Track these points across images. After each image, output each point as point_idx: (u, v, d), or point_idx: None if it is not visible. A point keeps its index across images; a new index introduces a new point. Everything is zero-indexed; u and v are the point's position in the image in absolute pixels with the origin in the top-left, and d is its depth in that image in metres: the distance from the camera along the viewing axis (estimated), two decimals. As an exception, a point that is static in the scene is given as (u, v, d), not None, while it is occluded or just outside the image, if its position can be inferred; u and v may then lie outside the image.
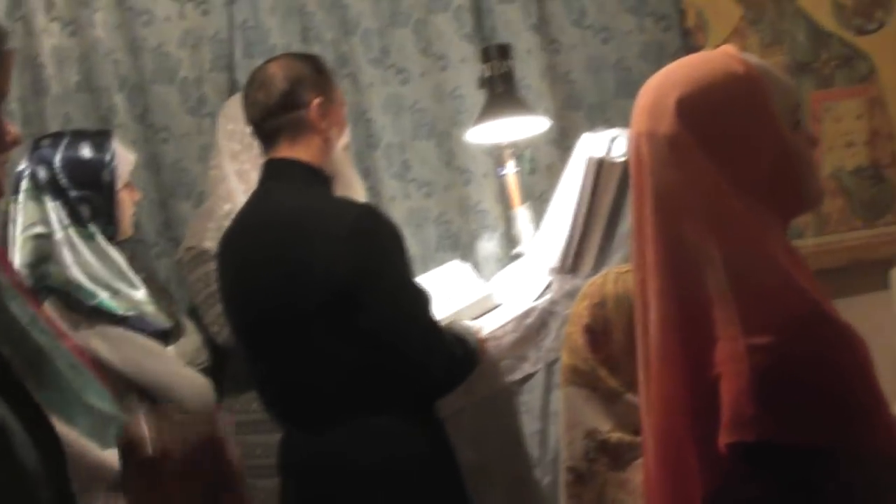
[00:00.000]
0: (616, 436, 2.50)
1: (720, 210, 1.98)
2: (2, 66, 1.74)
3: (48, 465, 1.63)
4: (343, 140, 3.52)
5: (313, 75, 3.47)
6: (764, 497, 1.92)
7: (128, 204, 3.67)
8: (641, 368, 2.09)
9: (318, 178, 3.41)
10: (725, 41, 4.56)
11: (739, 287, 1.95)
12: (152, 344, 3.55)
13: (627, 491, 2.46)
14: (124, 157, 3.66)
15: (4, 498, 1.56)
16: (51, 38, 4.49)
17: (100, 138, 3.65)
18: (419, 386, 3.32)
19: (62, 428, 1.72)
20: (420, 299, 3.32)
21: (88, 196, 3.54)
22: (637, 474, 2.45)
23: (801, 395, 1.90)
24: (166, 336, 3.62)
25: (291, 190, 3.39)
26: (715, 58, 2.09)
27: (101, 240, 3.53)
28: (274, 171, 3.43)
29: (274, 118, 3.41)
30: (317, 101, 3.41)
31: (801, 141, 2.08)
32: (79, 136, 3.67)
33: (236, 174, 3.93)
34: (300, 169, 3.40)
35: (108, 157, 3.58)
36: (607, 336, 2.56)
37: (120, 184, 3.61)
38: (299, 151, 3.41)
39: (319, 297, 3.23)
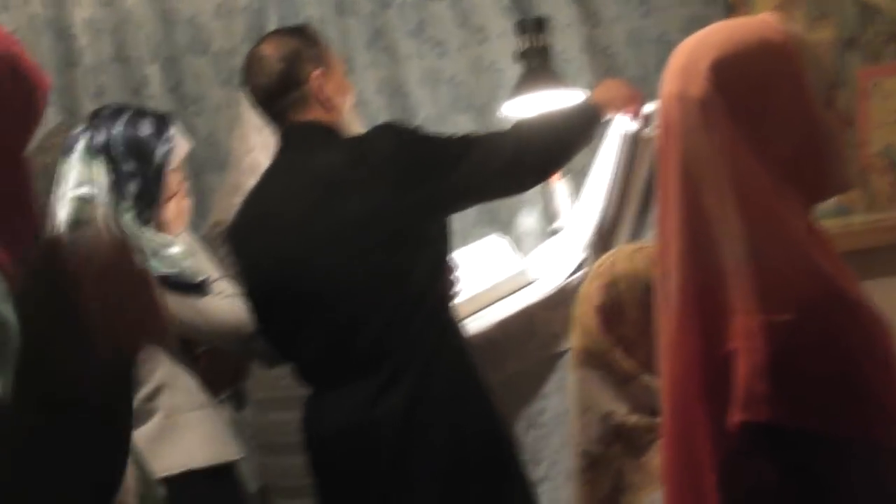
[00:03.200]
0: (632, 419, 2.43)
1: (745, 180, 1.92)
2: None
3: None
4: (349, 102, 3.54)
5: (307, 48, 3.48)
6: (771, 478, 1.86)
7: (174, 185, 3.60)
8: (660, 339, 2.03)
9: (335, 134, 3.44)
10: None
11: (759, 262, 1.89)
12: (184, 299, 3.50)
13: (645, 474, 2.39)
14: (180, 143, 3.62)
15: None
16: (83, 9, 4.46)
17: (161, 120, 3.62)
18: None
19: None
20: (466, 141, 3.41)
21: (139, 172, 3.50)
22: (654, 457, 2.38)
23: (814, 379, 1.84)
24: (200, 289, 3.55)
25: (314, 147, 3.41)
26: (753, 24, 2.03)
27: (129, 219, 3.48)
28: (293, 136, 3.46)
29: (277, 100, 3.45)
30: (315, 73, 3.44)
31: (832, 120, 2.01)
32: (140, 113, 3.63)
33: (262, 147, 3.89)
34: (318, 128, 3.43)
35: (164, 139, 3.54)
36: (620, 316, 2.48)
37: (170, 167, 3.57)
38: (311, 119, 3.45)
39: (376, 224, 3.27)
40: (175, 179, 3.58)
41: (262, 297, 3.46)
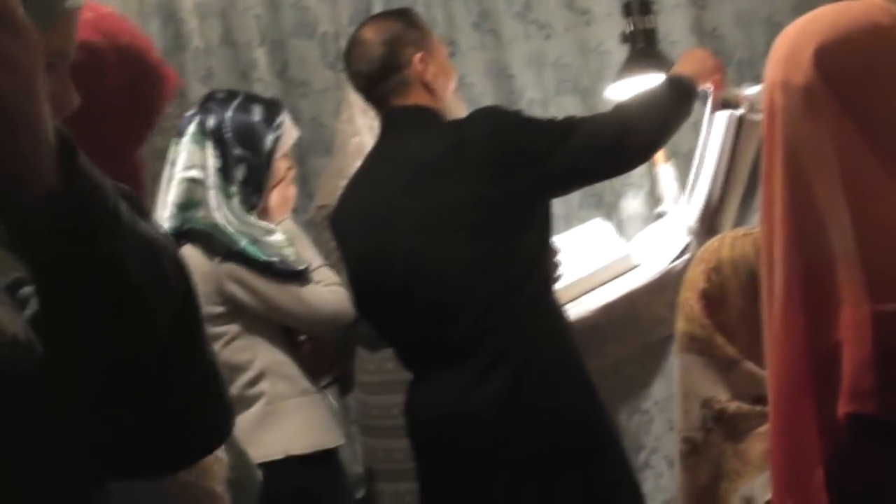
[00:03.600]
0: (734, 405, 2.40)
1: (853, 168, 1.87)
2: (65, 24, 1.65)
3: None
4: (451, 84, 3.53)
5: (408, 31, 3.46)
6: (878, 471, 1.82)
7: (281, 172, 3.62)
8: (765, 329, 1.99)
9: (437, 118, 3.43)
10: (884, -6, 4.37)
11: (867, 250, 1.83)
12: (286, 286, 3.52)
13: (745, 462, 2.36)
14: (290, 130, 3.63)
15: None
16: (193, -7, 4.49)
17: (272, 106, 3.64)
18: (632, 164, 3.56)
19: None
20: (566, 124, 3.38)
21: (247, 157, 3.52)
22: (755, 444, 2.35)
23: None
24: (301, 277, 3.57)
25: (416, 131, 3.40)
26: (859, 7, 1.97)
27: (236, 203, 3.51)
28: (394, 120, 3.46)
29: (379, 84, 3.44)
30: (416, 56, 3.42)
31: None
32: (252, 99, 3.66)
33: (368, 129, 3.89)
34: (419, 112, 3.43)
35: (274, 126, 3.56)
36: (724, 302, 2.45)
37: (279, 154, 3.59)
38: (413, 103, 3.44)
39: (477, 208, 3.26)
40: (282, 166, 3.60)
41: (363, 281, 3.47)
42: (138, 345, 1.36)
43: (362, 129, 3.95)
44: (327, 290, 3.52)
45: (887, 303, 1.80)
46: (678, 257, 3.68)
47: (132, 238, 1.36)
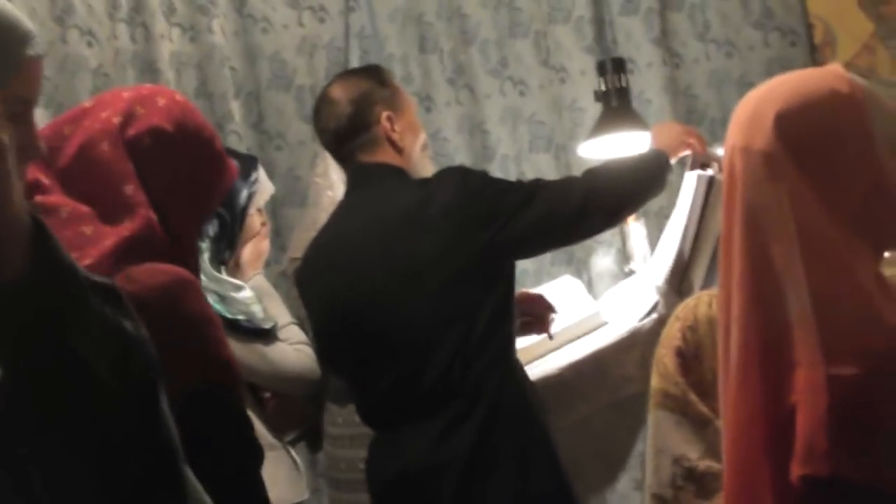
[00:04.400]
0: (704, 464, 2.42)
1: (810, 232, 1.91)
2: (27, 72, 1.67)
3: None
4: (419, 142, 3.52)
5: (377, 89, 3.47)
6: None
7: (255, 228, 3.62)
8: (721, 392, 2.01)
9: (403, 176, 3.43)
10: (855, 57, 4.42)
11: (823, 314, 1.87)
12: (251, 345, 3.51)
13: (712, 520, 2.37)
14: (265, 186, 3.63)
15: None
16: (170, 44, 4.50)
17: (247, 162, 3.62)
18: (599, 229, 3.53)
19: None
20: (531, 187, 3.36)
21: (220, 213, 3.49)
22: (723, 504, 2.37)
23: (878, 433, 1.82)
24: (268, 336, 3.56)
25: (382, 188, 3.40)
26: (819, 75, 2.03)
27: (206, 258, 3.49)
28: (360, 177, 3.46)
29: (346, 142, 3.45)
30: (384, 114, 3.43)
31: None
32: (227, 153, 3.63)
33: (342, 183, 3.90)
34: (386, 169, 3.42)
35: (250, 181, 3.55)
36: (699, 360, 2.47)
37: (252, 209, 3.59)
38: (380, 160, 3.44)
39: (442, 266, 3.25)
40: (256, 222, 3.59)
41: (329, 336, 3.46)
42: (94, 422, 1.38)
43: (336, 182, 3.96)
44: (293, 349, 3.51)
45: (842, 366, 1.82)
46: (646, 316, 3.69)
47: (99, 329, 1.37)
